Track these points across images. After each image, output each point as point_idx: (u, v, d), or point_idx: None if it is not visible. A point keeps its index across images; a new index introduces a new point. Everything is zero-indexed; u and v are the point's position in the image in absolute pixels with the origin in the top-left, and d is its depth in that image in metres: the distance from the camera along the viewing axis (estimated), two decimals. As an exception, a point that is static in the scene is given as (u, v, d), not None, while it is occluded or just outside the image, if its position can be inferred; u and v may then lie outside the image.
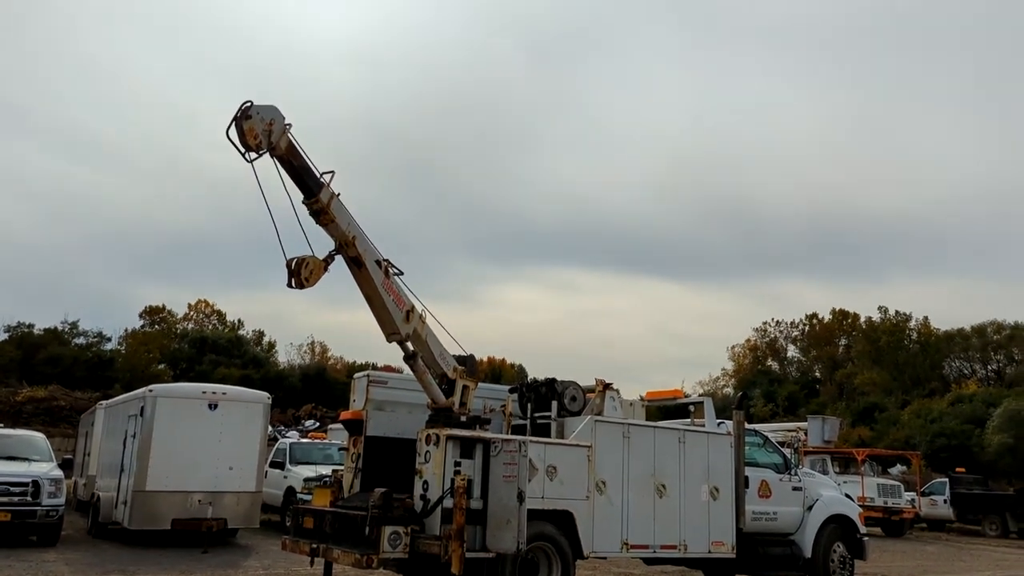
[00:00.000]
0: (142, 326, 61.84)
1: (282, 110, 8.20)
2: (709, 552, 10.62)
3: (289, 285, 8.36)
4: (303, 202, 8.46)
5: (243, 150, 8.07)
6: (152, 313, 64.76)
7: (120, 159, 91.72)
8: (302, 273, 8.28)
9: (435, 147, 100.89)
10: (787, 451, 13.77)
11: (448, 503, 8.26)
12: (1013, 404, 38.81)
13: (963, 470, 33.06)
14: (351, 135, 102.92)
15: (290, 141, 8.28)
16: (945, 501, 30.39)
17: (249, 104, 7.97)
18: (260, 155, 8.15)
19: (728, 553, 10.80)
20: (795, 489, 11.95)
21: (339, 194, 8.54)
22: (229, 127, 7.99)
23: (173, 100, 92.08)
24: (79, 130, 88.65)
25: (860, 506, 13.63)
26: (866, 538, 12.47)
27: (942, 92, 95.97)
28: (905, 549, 22.04)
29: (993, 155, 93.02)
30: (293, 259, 8.36)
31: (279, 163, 8.32)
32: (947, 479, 31.37)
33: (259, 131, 7.99)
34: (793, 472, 12.15)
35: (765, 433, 12.94)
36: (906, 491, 28.38)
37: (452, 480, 8.32)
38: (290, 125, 8.26)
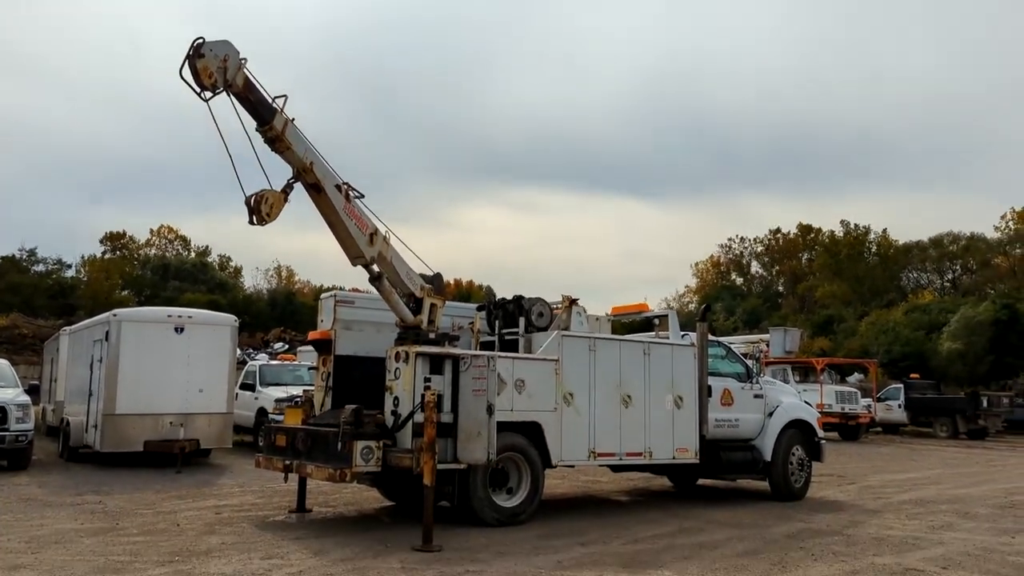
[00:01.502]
0: (103, 253, 60.76)
1: (235, 40, 7.83)
2: (674, 458, 10.98)
3: (251, 222, 8.20)
4: (257, 130, 8.19)
5: (198, 90, 7.76)
6: (113, 239, 63.50)
7: (67, 84, 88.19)
8: (262, 209, 8.11)
9: (395, 67, 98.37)
10: (750, 362, 14.08)
11: (419, 417, 8.39)
12: (969, 311, 39.97)
13: (917, 376, 34.28)
14: (307, 57, 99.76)
15: (247, 77, 7.97)
16: (900, 406, 31.65)
17: (201, 41, 7.61)
18: (216, 93, 7.84)
19: (692, 459, 11.17)
20: (756, 397, 12.29)
21: (293, 119, 8.28)
22: (182, 66, 7.66)
23: (122, 22, 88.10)
24: (22, 55, 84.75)
25: (819, 412, 14.08)
26: (823, 442, 12.94)
27: (902, 7, 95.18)
28: (861, 452, 23.00)
29: (950, 70, 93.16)
30: (252, 195, 8.15)
31: (236, 99, 8.01)
32: (901, 385, 32.57)
33: (213, 69, 7.68)
34: (755, 380, 12.47)
35: (729, 344, 13.21)
36: (863, 398, 29.44)
37: (422, 395, 8.43)
38: (245, 60, 7.92)
